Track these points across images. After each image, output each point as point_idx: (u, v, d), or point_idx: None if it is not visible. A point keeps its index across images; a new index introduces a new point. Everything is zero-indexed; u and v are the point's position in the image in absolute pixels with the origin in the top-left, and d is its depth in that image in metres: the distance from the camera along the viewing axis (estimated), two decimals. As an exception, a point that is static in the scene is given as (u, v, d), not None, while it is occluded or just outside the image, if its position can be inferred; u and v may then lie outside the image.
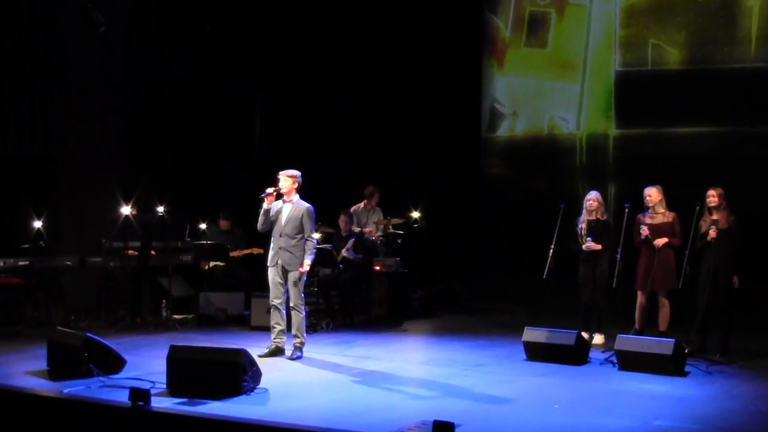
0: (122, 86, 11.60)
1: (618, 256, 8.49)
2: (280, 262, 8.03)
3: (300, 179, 8.08)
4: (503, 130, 12.88)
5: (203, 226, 11.20)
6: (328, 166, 12.77)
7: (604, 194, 9.73)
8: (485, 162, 13.05)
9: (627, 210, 8.59)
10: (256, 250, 10.64)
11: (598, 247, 8.82)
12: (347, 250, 10.33)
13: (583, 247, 8.84)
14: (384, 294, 10.91)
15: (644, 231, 8.53)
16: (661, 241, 8.48)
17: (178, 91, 12.16)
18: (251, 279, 10.61)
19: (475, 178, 12.99)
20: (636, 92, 11.92)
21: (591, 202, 8.95)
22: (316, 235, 10.78)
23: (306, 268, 7.98)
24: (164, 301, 10.07)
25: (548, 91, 12.57)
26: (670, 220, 8.54)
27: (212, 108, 12.45)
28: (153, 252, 10.06)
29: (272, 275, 8.10)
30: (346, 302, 10.40)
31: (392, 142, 12.89)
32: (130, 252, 9.94)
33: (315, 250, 8.09)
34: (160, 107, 12.05)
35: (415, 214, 11.66)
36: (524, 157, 12.76)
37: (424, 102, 12.88)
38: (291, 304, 8.06)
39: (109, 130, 11.40)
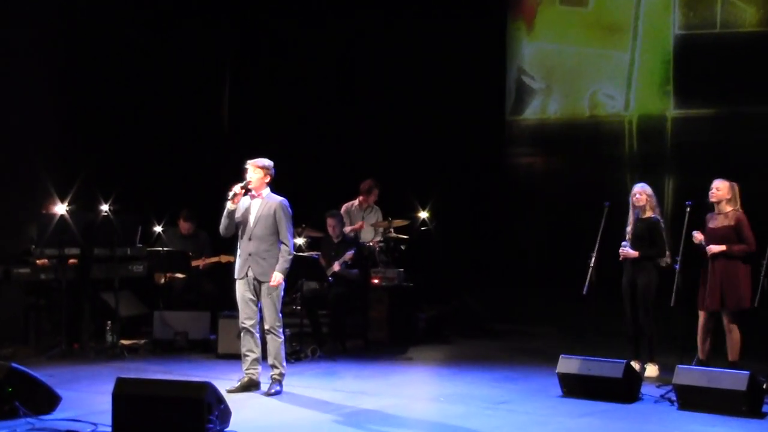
0: (55, 53, 11.56)
1: (677, 266, 8.47)
2: (250, 273, 8.02)
3: (272, 171, 8.12)
4: (533, 111, 12.93)
5: (159, 228, 11.22)
6: (315, 156, 12.82)
7: (659, 189, 9.76)
8: (510, 151, 13.10)
9: (689, 209, 8.58)
10: (225, 259, 10.65)
11: (634, 254, 8.83)
12: (341, 263, 10.32)
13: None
14: (384, 314, 10.94)
15: (697, 236, 8.53)
16: (715, 249, 8.45)
17: (126, 61, 12.17)
18: (219, 295, 10.64)
19: (498, 171, 13.05)
20: (700, 62, 11.92)
21: (637, 196, 8.96)
22: (300, 240, 10.79)
23: (279, 279, 7.98)
24: (109, 322, 10.08)
25: (590, 62, 12.60)
26: (732, 222, 8.48)
27: (170, 83, 12.47)
28: (95, 261, 10.04)
29: (241, 290, 8.08)
30: (337, 324, 10.42)
31: (393, 126, 12.93)
32: (68, 261, 9.91)
33: (291, 257, 8.09)
34: (105, 81, 12.04)
35: (423, 215, 11.70)
36: (559, 144, 12.80)
37: (433, 76, 12.91)
38: (266, 327, 8.05)
39: (39, 108, 11.37)
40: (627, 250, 8.81)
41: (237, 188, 7.96)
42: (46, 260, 9.84)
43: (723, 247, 8.42)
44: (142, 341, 10.41)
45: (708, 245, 8.49)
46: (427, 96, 12.90)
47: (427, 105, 12.88)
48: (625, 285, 8.89)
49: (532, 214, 12.80)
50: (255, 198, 8.09)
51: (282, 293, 8.10)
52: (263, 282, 8.00)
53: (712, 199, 8.61)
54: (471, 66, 12.84)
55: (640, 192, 8.93)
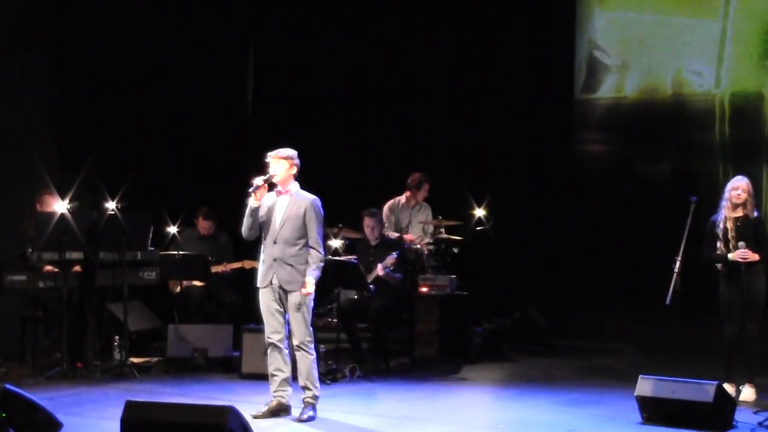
0: (55, 25, 11.58)
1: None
2: (275, 280, 8.03)
3: (297, 162, 8.12)
4: (607, 90, 12.89)
5: (173, 229, 11.22)
6: (355, 147, 12.84)
7: (756, 181, 9.67)
8: (579, 137, 13.07)
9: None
10: (249, 264, 10.61)
11: (755, 257, 8.72)
12: (385, 268, 10.33)
13: (732, 256, 8.71)
14: (433, 327, 10.92)
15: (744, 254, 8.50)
16: None
17: (137, 38, 12.21)
18: (242, 306, 10.63)
19: (565, 161, 13.04)
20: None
21: (738, 192, 8.85)
22: (336, 242, 10.76)
23: (310, 288, 7.98)
24: (117, 337, 10.12)
25: (673, 32, 12.52)
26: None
27: (186, 63, 12.51)
28: (100, 267, 10.07)
29: (266, 301, 8.09)
30: (379, 338, 10.39)
31: (443, 110, 12.91)
32: (70, 267, 9.93)
33: (322, 263, 8.10)
34: (112, 60, 12.08)
35: (479, 213, 11.64)
36: (637, 128, 12.73)
37: (489, 51, 12.87)
38: (296, 342, 8.06)
39: (35, 90, 11.39)
40: (745, 252, 8.66)
41: (259, 180, 7.96)
42: (50, 267, 9.91)
43: None
44: (155, 359, 10.42)
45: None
46: (481, 75, 12.88)
47: (481, 85, 12.87)
48: (733, 293, 8.75)
49: (604, 210, 12.75)
50: (282, 195, 8.10)
51: (312, 304, 8.11)
52: (290, 291, 8.00)
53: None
54: (534, 39, 12.83)
55: (743, 188, 8.83)
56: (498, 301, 12.12)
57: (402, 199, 11.59)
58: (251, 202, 7.99)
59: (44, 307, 10.15)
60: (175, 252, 10.73)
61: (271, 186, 8.07)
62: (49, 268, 9.96)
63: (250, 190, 7.96)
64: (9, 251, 10.19)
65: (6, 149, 10.97)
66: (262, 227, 8.09)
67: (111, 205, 10.13)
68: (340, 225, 11.09)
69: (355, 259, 10.46)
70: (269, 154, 8.09)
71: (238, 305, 10.76)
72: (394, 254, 10.34)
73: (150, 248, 10.25)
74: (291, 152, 8.09)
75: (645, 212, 12.06)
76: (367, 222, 10.59)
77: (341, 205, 10.70)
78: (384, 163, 12.59)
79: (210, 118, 12.71)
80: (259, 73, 13.36)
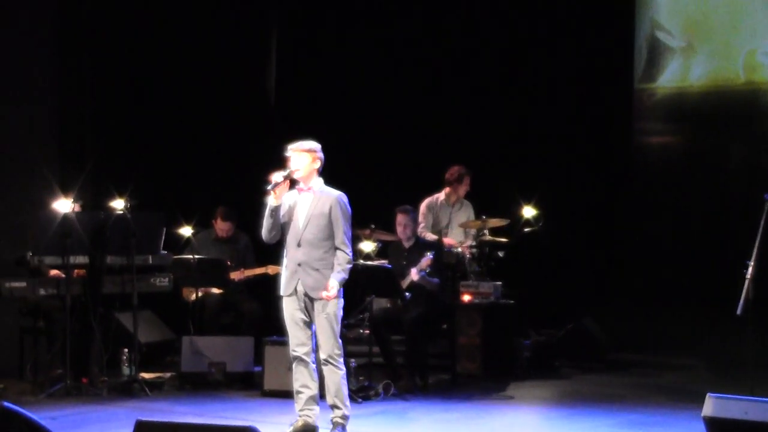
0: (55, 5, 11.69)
1: None
2: (300, 287, 8.03)
3: (321, 155, 8.11)
4: (671, 76, 12.89)
5: (188, 231, 11.18)
6: (388, 138, 12.86)
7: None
8: (639, 128, 13.07)
9: None
10: (273, 270, 10.63)
11: None
12: (420, 271, 10.29)
13: None
14: (476, 339, 10.90)
15: None
16: None
17: (148, 19, 12.26)
18: (264, 316, 10.67)
19: (624, 155, 13.04)
20: None
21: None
22: (368, 245, 10.75)
23: (332, 291, 7.95)
24: (126, 350, 10.15)
25: (745, 11, 12.50)
26: None
27: (202, 48, 12.56)
28: (107, 272, 10.07)
29: (290, 310, 8.09)
30: (415, 352, 10.36)
31: (488, 100, 12.89)
32: (74, 273, 9.94)
33: (350, 266, 8.09)
34: (119, 43, 12.14)
35: (528, 213, 11.57)
36: (704, 119, 12.72)
37: (537, 35, 12.87)
38: (323, 356, 8.04)
39: (35, 75, 11.41)
40: None
41: (278, 177, 7.94)
42: (56, 271, 9.94)
43: None
44: (167, 375, 10.45)
45: None
46: (530, 60, 12.92)
47: (530, 72, 12.91)
48: None
49: (668, 210, 12.79)
50: (304, 192, 8.09)
51: (341, 312, 8.08)
52: (317, 299, 7.99)
53: None
54: (588, 19, 12.84)
55: None
56: (548, 310, 12.16)
57: (441, 196, 11.57)
58: (270, 201, 7.98)
59: (45, 317, 10.16)
60: (190, 256, 10.72)
61: (293, 183, 8.07)
62: (55, 272, 9.98)
63: (269, 187, 7.95)
64: (7, 254, 10.24)
65: (4, 146, 11.05)
66: (283, 229, 8.08)
67: (119, 204, 10.07)
68: (372, 226, 11.11)
69: (387, 263, 10.45)
70: (290, 147, 8.10)
71: (259, 315, 10.76)
72: (430, 255, 10.25)
73: (162, 252, 10.24)
74: (313, 145, 8.09)
75: (714, 212, 12.09)
76: (400, 219, 10.54)
77: (373, 204, 10.79)
78: (420, 155, 12.64)
79: (228, 108, 12.74)
80: (283, 57, 13.38)
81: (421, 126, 13.00)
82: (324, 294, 7.91)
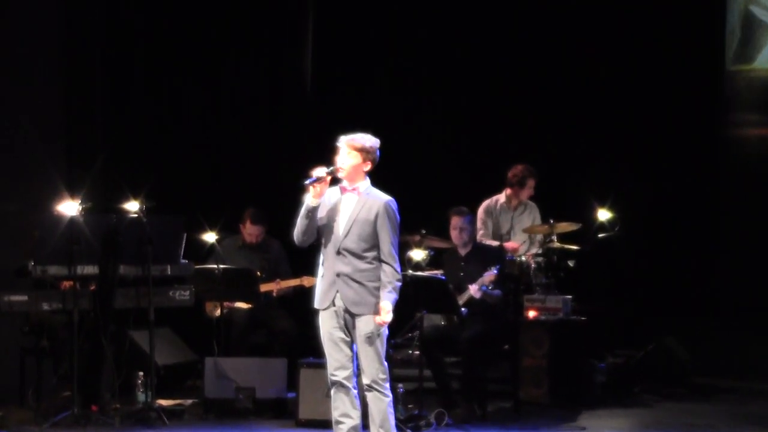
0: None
1: None
2: (338, 301, 7.95)
3: (376, 155, 8.04)
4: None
5: (212, 237, 11.24)
6: (439, 134, 12.86)
7: None
8: (731, 118, 13.05)
9: None
10: (309, 282, 10.66)
11: None
12: (481, 287, 10.23)
13: None
14: (543, 361, 10.89)
15: None
16: None
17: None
18: (300, 334, 10.69)
19: (715, 148, 13.02)
20: None
21: None
22: (420, 253, 10.70)
23: (386, 317, 7.88)
24: (141, 374, 10.16)
25: None
26: None
27: (229, 27, 12.61)
28: (120, 284, 10.04)
29: (328, 327, 8.01)
30: (473, 376, 10.34)
31: (554, 88, 12.92)
32: (81, 284, 9.94)
33: (400, 283, 8.00)
34: (133, 26, 12.18)
35: (602, 216, 11.53)
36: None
37: (613, 12, 12.83)
38: (367, 381, 7.95)
39: (37, 61, 11.46)
40: None
41: (320, 171, 7.86)
42: (65, 283, 9.92)
43: None
44: (189, 402, 10.49)
45: None
46: (602, 40, 12.93)
47: (603, 53, 12.94)
48: None
49: (764, 212, 12.64)
50: (348, 193, 8.02)
51: (387, 331, 8.00)
52: (358, 315, 7.90)
53: None
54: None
55: None
56: (626, 328, 12.16)
57: (501, 198, 11.58)
58: (308, 200, 7.89)
59: (50, 335, 10.21)
60: (215, 266, 10.72)
61: (335, 180, 8.00)
62: (68, 283, 9.93)
63: (307, 182, 7.86)
64: (6, 264, 10.29)
65: (5, 140, 11.15)
66: (321, 233, 8.01)
67: (133, 207, 10.07)
68: (423, 231, 11.12)
69: (441, 274, 10.40)
70: (342, 138, 8.01)
71: (293, 333, 10.80)
72: (494, 270, 10.22)
73: (182, 261, 10.21)
74: (371, 143, 7.99)
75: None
76: (455, 222, 10.47)
77: (423, 207, 10.87)
78: (478, 151, 12.67)
79: (258, 96, 12.78)
80: (321, 38, 13.34)
81: (479, 117, 13.00)
82: (377, 320, 7.85)
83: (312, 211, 7.91)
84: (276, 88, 12.99)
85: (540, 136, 12.63)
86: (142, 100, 12.18)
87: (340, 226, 7.94)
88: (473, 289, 10.19)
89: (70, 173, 10.78)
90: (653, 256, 12.50)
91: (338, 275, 7.92)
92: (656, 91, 12.77)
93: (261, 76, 12.85)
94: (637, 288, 12.43)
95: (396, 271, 7.93)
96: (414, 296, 9.42)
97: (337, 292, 7.91)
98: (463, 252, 10.48)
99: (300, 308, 10.52)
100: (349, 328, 7.95)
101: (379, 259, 7.93)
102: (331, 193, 8.00)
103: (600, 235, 11.50)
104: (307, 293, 10.19)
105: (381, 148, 8.02)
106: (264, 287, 10.83)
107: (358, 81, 13.02)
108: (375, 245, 7.92)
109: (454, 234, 10.47)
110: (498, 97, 13.00)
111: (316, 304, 8.05)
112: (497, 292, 10.35)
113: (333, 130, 8.25)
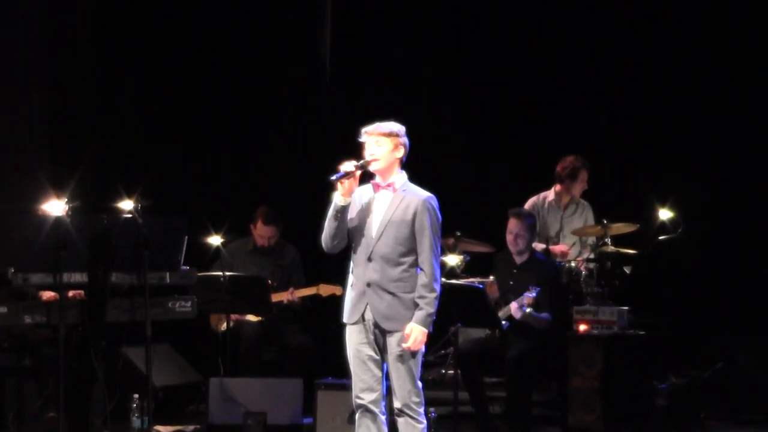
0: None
1: None
2: (369, 314, 7.92)
3: (406, 140, 8.02)
4: None
5: (217, 240, 11.26)
6: (476, 123, 12.89)
7: None
8: None
9: None
10: (326, 291, 10.80)
11: None
12: (521, 307, 10.25)
13: None
14: (595, 382, 10.82)
15: None
16: None
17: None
18: (317, 351, 10.79)
19: None
20: None
21: None
22: (454, 258, 10.66)
23: (413, 343, 7.81)
24: (136, 396, 10.18)
25: None
26: None
27: (240, 7, 12.72)
28: (113, 294, 9.95)
29: (355, 344, 7.98)
30: (517, 399, 10.43)
31: (609, 70, 13.00)
32: (69, 294, 9.91)
33: (437, 299, 7.94)
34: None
35: (663, 215, 11.51)
36: None
37: (690, 11, 12.88)
38: (398, 405, 7.93)
39: (24, 48, 11.66)
40: None
41: (349, 166, 7.80)
42: (48, 294, 9.97)
43: None
44: (191, 428, 10.57)
45: None
46: (656, 20, 12.97)
47: (661, 35, 12.98)
48: None
49: None
50: (381, 190, 7.99)
51: (424, 348, 7.93)
52: (390, 331, 7.85)
53: None
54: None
55: None
56: (691, 344, 12.15)
57: (550, 195, 11.70)
58: (337, 198, 7.84)
59: (33, 353, 10.33)
60: (220, 273, 10.77)
61: (365, 175, 7.96)
62: (47, 294, 9.97)
63: (334, 177, 7.78)
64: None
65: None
66: (351, 237, 7.97)
67: (127, 206, 9.98)
68: (458, 233, 11.20)
69: (480, 282, 10.33)
70: (364, 129, 7.99)
71: (310, 350, 10.88)
72: (533, 293, 10.21)
73: (184, 267, 10.08)
74: (395, 127, 7.98)
75: None
76: (511, 226, 10.54)
77: (458, 205, 10.67)
78: (521, 141, 12.75)
79: (269, 80, 12.86)
80: (341, 17, 13.39)
81: (522, 103, 13.07)
82: (403, 345, 7.81)
83: (341, 211, 7.88)
84: (290, 72, 13.09)
85: (592, 126, 12.72)
86: (137, 87, 12.24)
87: (373, 228, 7.93)
88: (513, 308, 10.26)
89: (55, 168, 10.77)
90: (722, 261, 12.49)
91: (368, 285, 7.90)
92: (722, 71, 12.77)
93: (274, 59, 12.97)
94: (703, 298, 12.43)
95: (435, 281, 7.87)
96: (447, 307, 9.28)
97: (367, 304, 7.89)
98: (518, 260, 10.57)
99: (317, 321, 10.53)
100: (379, 345, 7.93)
101: (417, 266, 7.89)
102: (363, 192, 7.99)
103: (660, 238, 11.51)
104: (326, 304, 10.19)
105: (410, 140, 8.03)
106: (276, 297, 10.87)
107: (380, 64, 13.08)
108: (412, 249, 7.89)
109: (509, 238, 10.57)
110: (544, 81, 13.06)
111: (345, 318, 8.04)
112: (545, 315, 10.39)
113: (351, 120, 8.35)
